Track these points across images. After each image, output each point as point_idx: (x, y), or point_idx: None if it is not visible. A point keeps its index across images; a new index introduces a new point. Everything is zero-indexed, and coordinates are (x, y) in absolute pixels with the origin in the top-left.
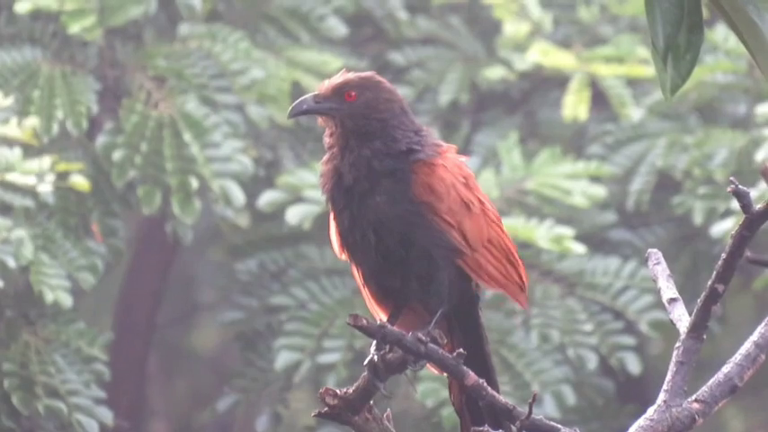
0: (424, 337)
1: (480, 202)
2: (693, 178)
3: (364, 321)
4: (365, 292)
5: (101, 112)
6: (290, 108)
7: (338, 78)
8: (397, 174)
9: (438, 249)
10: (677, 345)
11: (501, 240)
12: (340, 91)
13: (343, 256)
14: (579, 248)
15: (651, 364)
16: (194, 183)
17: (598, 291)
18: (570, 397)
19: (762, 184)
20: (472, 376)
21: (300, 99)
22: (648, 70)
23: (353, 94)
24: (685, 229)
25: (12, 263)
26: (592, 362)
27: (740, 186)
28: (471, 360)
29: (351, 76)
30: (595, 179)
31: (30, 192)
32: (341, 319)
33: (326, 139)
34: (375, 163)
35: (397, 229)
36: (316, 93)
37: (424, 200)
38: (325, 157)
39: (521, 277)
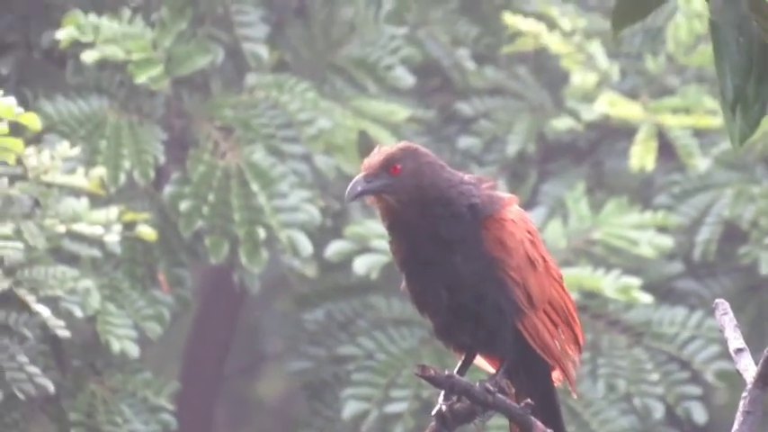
0: (491, 387)
1: (544, 260)
2: (760, 228)
3: (432, 372)
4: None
5: (167, 162)
6: (347, 193)
7: (380, 155)
8: (467, 236)
9: (507, 303)
10: (744, 395)
11: (561, 301)
12: (386, 166)
13: None
14: (646, 298)
15: (717, 413)
16: (262, 233)
17: (664, 340)
18: None
19: None
20: (540, 426)
21: (352, 182)
22: (715, 121)
23: (398, 166)
24: (752, 279)
25: (79, 313)
26: (658, 411)
27: None
28: (539, 410)
29: (390, 149)
30: (662, 229)
31: (97, 242)
32: (408, 368)
33: (384, 224)
34: (443, 231)
35: (471, 285)
36: (364, 173)
37: (495, 255)
38: (390, 239)
39: (577, 338)
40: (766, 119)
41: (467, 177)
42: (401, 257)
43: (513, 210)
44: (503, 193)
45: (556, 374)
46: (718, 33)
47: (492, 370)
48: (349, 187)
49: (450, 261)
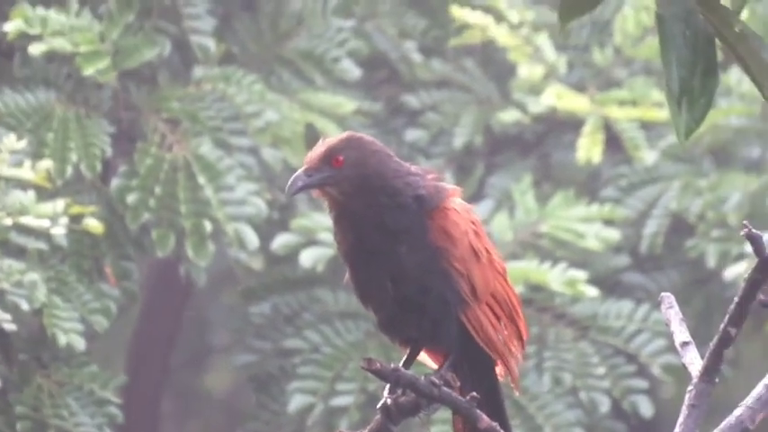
0: (437, 381)
1: (488, 252)
2: (707, 221)
3: (378, 365)
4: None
5: (115, 155)
6: (287, 189)
7: (320, 147)
8: (413, 226)
9: (452, 294)
10: (689, 388)
11: (505, 294)
12: (327, 159)
13: None
14: (592, 292)
15: (663, 407)
16: (208, 226)
17: (611, 334)
18: None
19: None
20: (485, 419)
21: (293, 177)
22: (662, 113)
23: (340, 158)
24: (699, 272)
25: (25, 306)
26: (604, 405)
27: (753, 230)
28: (484, 404)
29: (331, 140)
30: (609, 222)
31: (43, 235)
32: (354, 362)
33: (330, 215)
34: (389, 221)
35: (415, 276)
36: (305, 167)
37: (440, 245)
38: (336, 229)
39: (520, 333)
40: (713, 112)
41: (413, 168)
42: (346, 248)
43: (456, 200)
44: (447, 184)
45: (499, 369)
46: (665, 26)
47: (435, 366)
48: (290, 182)
49: (396, 251)
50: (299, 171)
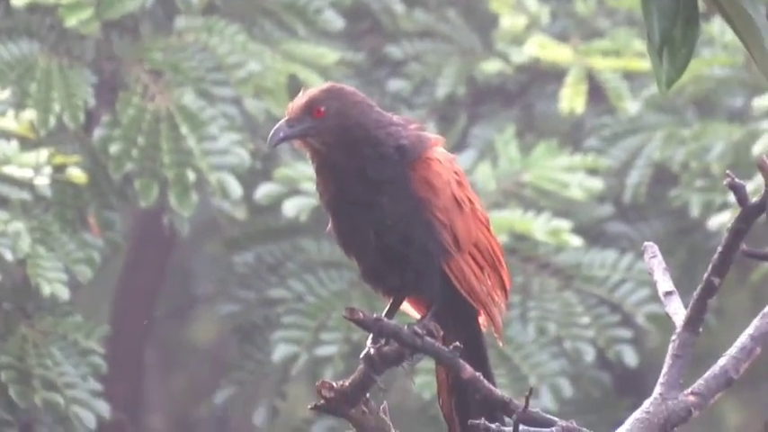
0: (420, 330)
1: (470, 201)
2: (690, 171)
3: (360, 315)
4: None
5: (98, 106)
6: (268, 140)
7: (302, 98)
8: (395, 176)
9: (434, 245)
10: (673, 338)
11: (488, 244)
12: (308, 110)
13: None
14: (576, 241)
15: (648, 356)
16: (191, 176)
17: (595, 284)
18: (567, 390)
19: (758, 177)
20: (468, 369)
21: (274, 128)
22: (645, 64)
23: (321, 109)
24: (682, 222)
25: (9, 256)
26: (589, 354)
27: (736, 179)
28: (467, 354)
29: (312, 91)
30: (592, 172)
31: (27, 185)
32: (338, 311)
33: (312, 165)
34: (371, 172)
35: (398, 227)
36: (286, 118)
37: (422, 195)
38: (318, 180)
39: (504, 283)
40: (695, 62)
41: (395, 119)
42: (328, 198)
43: (438, 150)
44: (429, 134)
45: (482, 319)
46: None
47: (418, 316)
48: (271, 133)
49: (378, 202)
50: (281, 122)
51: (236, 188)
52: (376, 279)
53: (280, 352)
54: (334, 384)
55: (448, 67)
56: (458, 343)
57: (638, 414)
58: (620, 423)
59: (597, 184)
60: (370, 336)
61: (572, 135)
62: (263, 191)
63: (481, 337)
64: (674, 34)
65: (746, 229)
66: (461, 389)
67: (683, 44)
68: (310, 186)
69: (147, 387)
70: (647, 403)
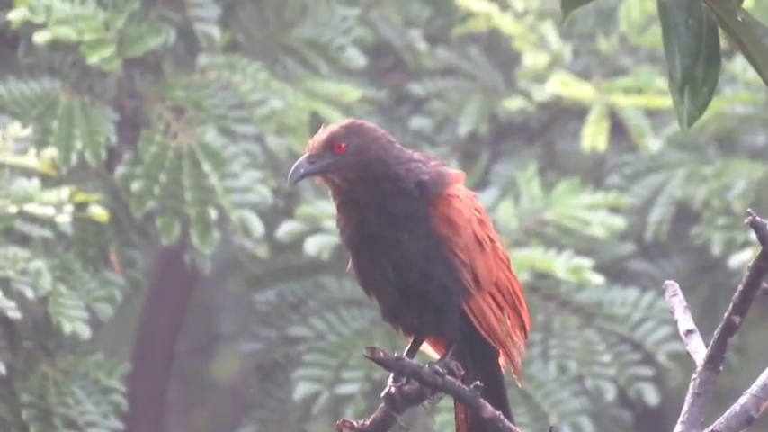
0: (441, 369)
1: (492, 240)
2: (712, 209)
3: (381, 354)
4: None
5: (119, 143)
6: (289, 176)
7: (322, 134)
8: (415, 213)
9: (454, 283)
10: (694, 376)
11: (508, 284)
12: (329, 145)
13: None
14: (598, 279)
15: (669, 395)
16: (213, 213)
17: (616, 322)
18: (588, 428)
19: None
20: (489, 408)
21: (295, 165)
22: (667, 101)
23: (342, 145)
24: (704, 260)
25: (30, 294)
26: (610, 393)
27: (757, 218)
28: (487, 393)
29: (333, 127)
30: (614, 210)
31: (48, 222)
32: (359, 349)
33: (334, 201)
34: (391, 208)
35: (417, 264)
36: (307, 154)
37: (443, 233)
38: (338, 216)
39: (523, 324)
40: (717, 100)
41: (416, 155)
42: (349, 234)
43: (460, 188)
44: (450, 169)
45: (501, 359)
46: (667, 15)
47: (438, 355)
48: (292, 170)
49: (398, 238)
50: (302, 158)
51: (257, 226)
52: (396, 317)
53: (301, 390)
54: (355, 423)
55: (470, 104)
56: (478, 382)
57: None
58: None
59: (619, 221)
60: (391, 375)
61: (594, 173)
62: (285, 229)
63: (500, 377)
64: (696, 72)
65: (767, 267)
66: (481, 428)
67: (705, 82)
68: (332, 224)
69: (168, 425)
70: None
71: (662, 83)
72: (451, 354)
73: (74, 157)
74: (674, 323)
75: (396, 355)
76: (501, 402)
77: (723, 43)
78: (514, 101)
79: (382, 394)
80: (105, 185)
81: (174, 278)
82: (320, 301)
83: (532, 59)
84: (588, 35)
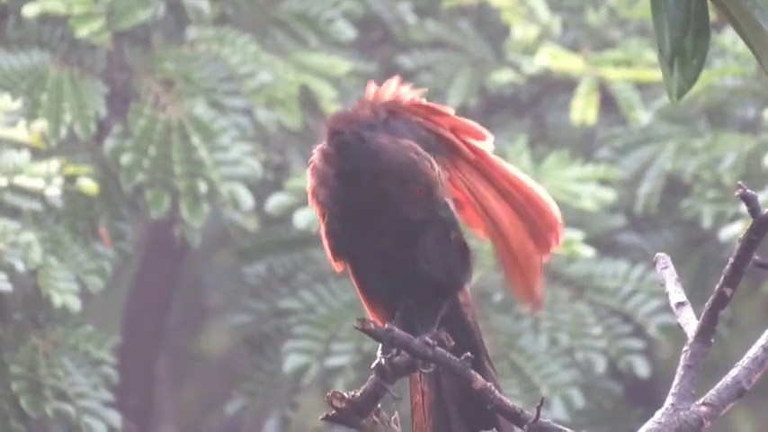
0: (431, 341)
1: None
2: (702, 182)
3: (372, 325)
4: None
5: (109, 116)
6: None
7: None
8: None
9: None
10: (685, 348)
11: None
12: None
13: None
14: (588, 252)
15: (659, 367)
16: (203, 186)
17: (607, 294)
18: (579, 400)
19: None
20: (480, 379)
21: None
22: (657, 74)
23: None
24: (694, 232)
25: (20, 266)
26: (600, 365)
27: (748, 190)
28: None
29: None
30: (604, 183)
31: (38, 195)
32: (349, 322)
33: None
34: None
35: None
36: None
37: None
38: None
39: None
40: (707, 73)
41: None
42: (342, 208)
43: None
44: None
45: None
46: None
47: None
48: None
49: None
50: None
51: (247, 199)
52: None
53: (291, 362)
54: (346, 395)
55: (459, 77)
56: (469, 354)
57: (649, 425)
58: None
59: (609, 194)
60: (381, 346)
61: (583, 145)
62: (275, 202)
63: (482, 353)
64: (685, 45)
65: (758, 239)
66: (441, 409)
67: (695, 55)
68: None
69: (158, 397)
70: (658, 414)
71: (651, 55)
72: (437, 324)
73: (63, 130)
74: (665, 296)
75: (386, 326)
76: (484, 372)
77: (713, 15)
78: (504, 73)
79: (373, 365)
80: (95, 158)
81: (163, 251)
82: (310, 274)
83: (522, 32)
84: (577, 8)
